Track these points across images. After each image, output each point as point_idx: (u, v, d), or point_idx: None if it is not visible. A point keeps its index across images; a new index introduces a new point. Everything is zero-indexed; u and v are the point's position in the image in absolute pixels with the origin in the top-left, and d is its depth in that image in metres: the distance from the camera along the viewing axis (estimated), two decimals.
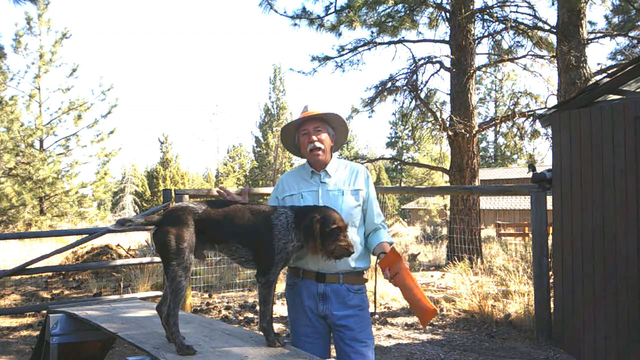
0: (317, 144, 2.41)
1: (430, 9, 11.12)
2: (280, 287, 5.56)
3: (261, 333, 2.25)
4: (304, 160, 2.57)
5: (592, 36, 10.01)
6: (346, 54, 11.38)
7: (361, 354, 2.34)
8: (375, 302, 6.18)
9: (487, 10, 10.41)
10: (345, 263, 2.33)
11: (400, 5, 10.72)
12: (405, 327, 5.55)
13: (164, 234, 2.10)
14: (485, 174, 31.02)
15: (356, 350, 2.34)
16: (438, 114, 11.03)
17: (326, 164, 2.46)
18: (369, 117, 12.15)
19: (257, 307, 6.36)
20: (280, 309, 6.24)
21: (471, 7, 10.31)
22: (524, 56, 10.59)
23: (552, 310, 4.82)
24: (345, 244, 2.15)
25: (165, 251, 2.09)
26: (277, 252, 2.14)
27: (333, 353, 2.48)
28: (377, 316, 5.91)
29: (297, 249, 2.22)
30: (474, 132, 10.20)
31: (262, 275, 2.17)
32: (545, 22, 10.03)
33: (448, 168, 10.74)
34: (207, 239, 2.21)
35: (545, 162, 28.52)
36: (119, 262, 7.00)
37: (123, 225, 2.19)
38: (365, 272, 2.48)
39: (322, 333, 2.42)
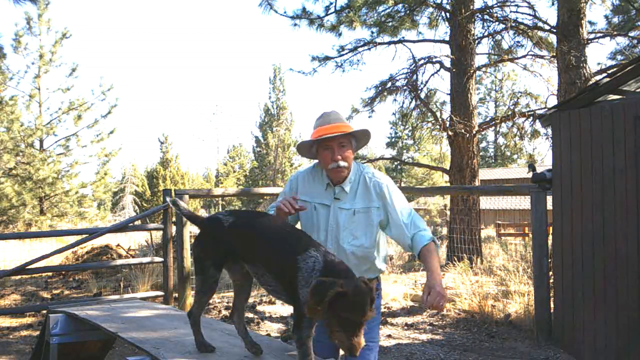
0: (342, 163, 2.17)
1: (430, 9, 11.11)
2: None
3: (261, 333, 2.25)
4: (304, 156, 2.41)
5: (592, 36, 10.00)
6: (346, 54, 11.37)
7: (361, 356, 2.32)
8: None
9: (487, 10, 10.40)
10: (361, 272, 2.23)
11: (400, 5, 10.71)
12: (405, 327, 5.55)
13: (195, 245, 2.13)
14: (485, 174, 31.00)
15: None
16: (438, 114, 11.02)
17: (345, 179, 2.26)
18: (369, 117, 12.14)
19: (257, 307, 6.37)
20: (280, 309, 6.25)
21: (471, 7, 10.30)
22: (524, 56, 10.59)
23: (552, 310, 4.82)
24: (356, 344, 1.65)
25: (195, 261, 2.13)
26: (304, 302, 1.75)
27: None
28: None
29: None
30: (474, 132, 10.20)
31: (295, 331, 1.84)
32: (545, 22, 10.03)
33: (448, 168, 10.73)
34: (237, 255, 2.04)
35: (545, 162, 28.52)
36: (119, 262, 7.00)
37: (175, 205, 2.17)
38: (379, 276, 2.42)
39: None
